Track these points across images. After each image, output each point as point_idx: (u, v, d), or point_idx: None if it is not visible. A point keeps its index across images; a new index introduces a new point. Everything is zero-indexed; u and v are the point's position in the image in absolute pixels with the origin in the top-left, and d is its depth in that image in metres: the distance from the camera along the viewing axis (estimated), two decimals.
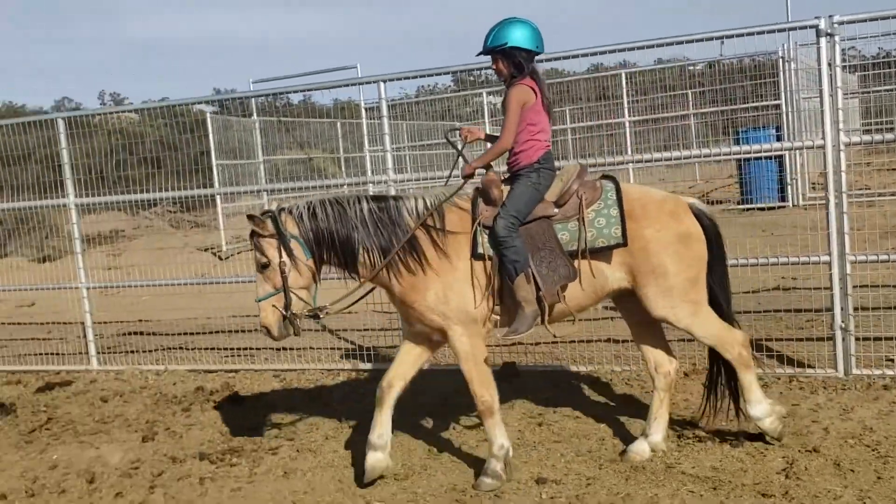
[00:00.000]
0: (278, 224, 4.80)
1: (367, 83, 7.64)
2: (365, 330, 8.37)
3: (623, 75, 17.71)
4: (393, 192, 6.20)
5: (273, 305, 4.81)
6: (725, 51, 15.60)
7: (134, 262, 12.93)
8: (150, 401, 7.18)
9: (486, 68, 7.22)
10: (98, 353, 8.42)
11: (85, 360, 8.53)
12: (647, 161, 6.97)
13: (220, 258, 14.77)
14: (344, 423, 6.10)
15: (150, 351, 8.91)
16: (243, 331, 8.91)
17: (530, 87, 4.90)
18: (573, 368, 6.91)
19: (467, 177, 5.05)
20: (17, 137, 8.41)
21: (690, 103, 18.36)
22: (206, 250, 15.43)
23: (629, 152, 13.25)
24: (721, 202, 14.84)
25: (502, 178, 5.02)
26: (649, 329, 5.17)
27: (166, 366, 8.17)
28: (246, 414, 6.55)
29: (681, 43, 6.28)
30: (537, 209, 4.89)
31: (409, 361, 5.09)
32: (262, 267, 4.84)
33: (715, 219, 5.15)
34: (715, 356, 5.13)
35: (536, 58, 4.99)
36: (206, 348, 8.73)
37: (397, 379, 5.02)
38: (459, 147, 5.11)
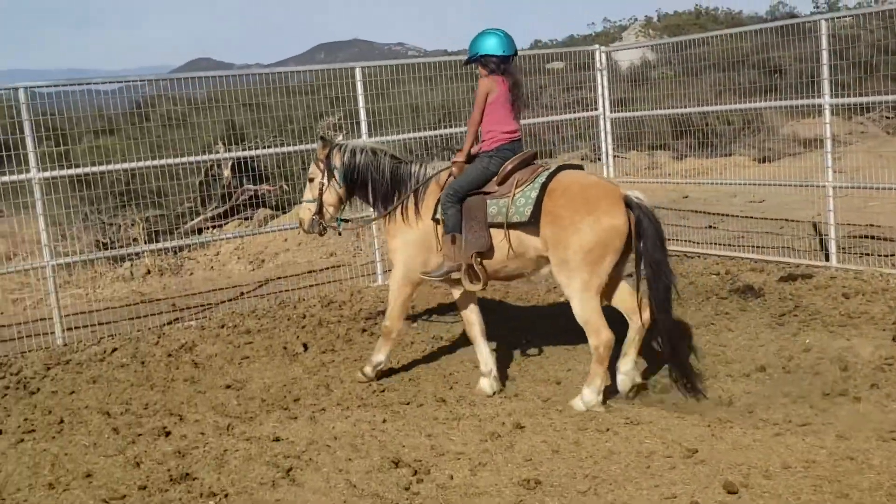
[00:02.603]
0: (330, 154, 6.31)
1: None
2: None
3: None
4: None
5: (309, 209, 6.42)
6: None
7: (856, 166, 12.73)
8: (894, 303, 7.15)
9: None
10: (838, 251, 8.59)
11: (821, 257, 8.79)
12: None
13: None
14: None
15: (887, 255, 8.77)
16: None
17: (496, 81, 5.88)
18: None
19: (458, 164, 6.00)
20: (736, 44, 8.84)
21: None
22: None
23: None
24: None
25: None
26: (617, 287, 5.79)
27: None
28: None
29: None
30: (485, 187, 5.85)
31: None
32: (310, 180, 6.44)
33: (651, 212, 5.48)
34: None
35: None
36: None
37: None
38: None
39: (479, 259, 5.81)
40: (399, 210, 6.18)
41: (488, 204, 5.78)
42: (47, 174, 7.76)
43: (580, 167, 6.15)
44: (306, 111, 10.93)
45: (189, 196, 11.55)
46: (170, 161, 8.66)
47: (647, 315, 5.70)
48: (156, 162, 8.53)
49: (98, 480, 4.86)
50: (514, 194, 5.69)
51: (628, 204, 5.48)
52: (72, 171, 8.18)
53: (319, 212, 6.40)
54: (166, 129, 10.51)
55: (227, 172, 12.24)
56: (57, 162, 8.40)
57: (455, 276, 5.91)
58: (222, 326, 8.11)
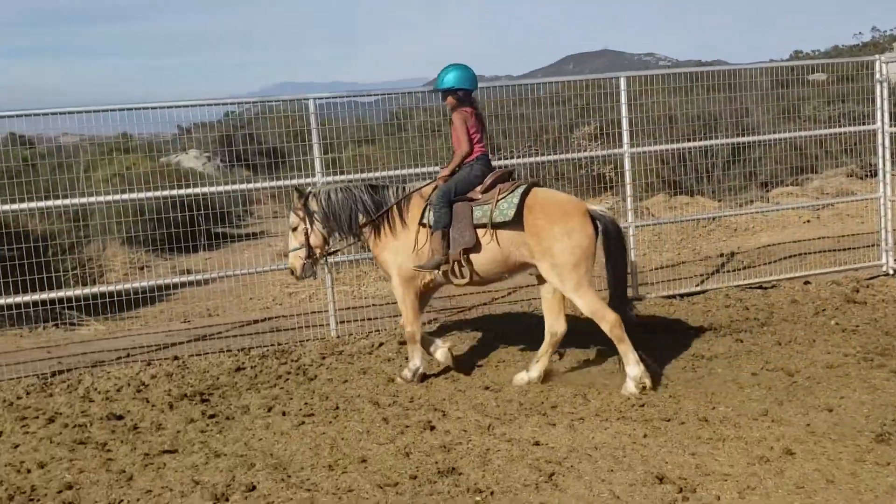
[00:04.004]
0: (307, 202, 6.99)
1: None
2: None
3: None
4: None
5: (298, 256, 7.06)
6: None
7: None
8: None
9: None
10: None
11: None
12: None
13: None
14: None
15: None
16: None
17: (467, 112, 6.82)
18: None
19: (443, 178, 6.85)
20: None
21: None
22: None
23: None
24: None
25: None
26: (550, 301, 6.77)
27: None
28: None
29: None
30: (469, 193, 6.71)
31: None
32: (293, 228, 7.07)
33: (614, 221, 6.67)
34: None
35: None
36: None
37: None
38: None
39: (465, 256, 6.62)
40: (385, 225, 6.90)
41: (473, 209, 6.65)
42: (329, 178, 8.37)
43: (538, 183, 6.97)
44: (562, 121, 11.06)
45: None
46: (426, 169, 8.97)
47: (562, 330, 6.72)
48: (413, 170, 8.88)
49: (372, 466, 5.22)
50: (497, 200, 6.57)
51: (593, 216, 6.50)
52: (345, 178, 8.75)
53: (310, 255, 7.07)
54: (422, 139, 10.99)
55: None
56: (329, 168, 9.04)
57: (443, 268, 6.68)
58: (478, 329, 8.36)
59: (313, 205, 7.04)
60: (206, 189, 8.77)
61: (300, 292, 10.51)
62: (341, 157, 9.37)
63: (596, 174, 13.46)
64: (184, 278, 9.16)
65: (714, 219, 12.86)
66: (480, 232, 6.61)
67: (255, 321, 9.39)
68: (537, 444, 5.39)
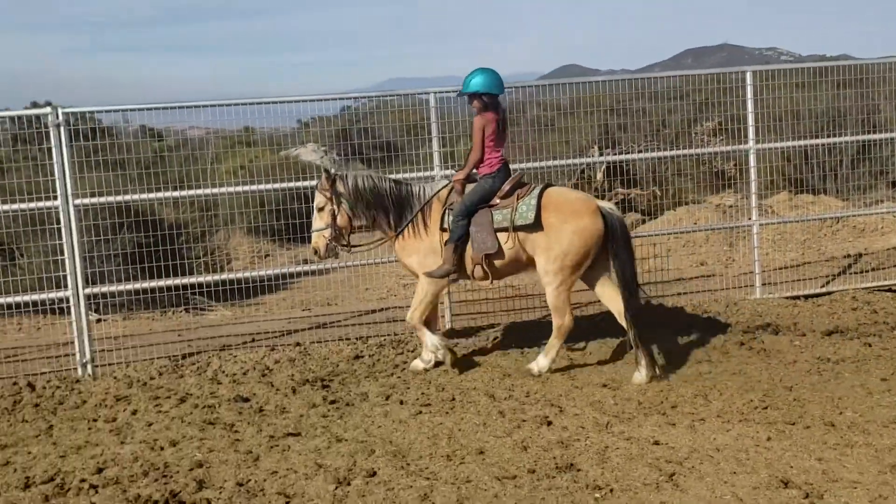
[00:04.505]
0: (335, 184, 7.09)
1: None
2: None
3: None
4: None
5: (323, 236, 7.15)
6: None
7: None
8: None
9: None
10: None
11: None
12: None
13: None
14: None
15: None
16: None
17: (489, 118, 6.95)
18: None
19: (458, 181, 7.13)
20: None
21: None
22: None
23: None
24: None
25: (468, 180, 7.15)
26: (606, 292, 7.00)
27: None
28: None
29: None
30: (492, 201, 6.99)
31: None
32: (319, 209, 7.15)
33: (621, 220, 6.88)
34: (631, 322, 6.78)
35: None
36: None
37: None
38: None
39: (486, 259, 6.90)
40: (409, 229, 7.14)
41: (493, 214, 6.90)
42: (447, 172, 8.48)
43: (551, 184, 7.20)
44: (684, 115, 10.88)
45: None
46: (540, 164, 8.93)
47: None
48: (529, 164, 8.85)
49: (490, 458, 5.25)
50: (516, 204, 6.86)
51: (602, 213, 6.77)
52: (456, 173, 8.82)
53: (335, 236, 7.18)
54: (535, 133, 10.96)
55: (599, 175, 12.49)
56: (446, 162, 9.13)
57: (452, 277, 7.03)
58: (597, 326, 8.27)
59: (340, 187, 7.17)
60: None
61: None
62: (455, 151, 9.47)
63: (717, 170, 13.16)
64: (304, 268, 9.43)
65: (840, 219, 12.38)
66: (502, 236, 6.89)
67: (372, 311, 9.59)
68: (657, 443, 5.33)
